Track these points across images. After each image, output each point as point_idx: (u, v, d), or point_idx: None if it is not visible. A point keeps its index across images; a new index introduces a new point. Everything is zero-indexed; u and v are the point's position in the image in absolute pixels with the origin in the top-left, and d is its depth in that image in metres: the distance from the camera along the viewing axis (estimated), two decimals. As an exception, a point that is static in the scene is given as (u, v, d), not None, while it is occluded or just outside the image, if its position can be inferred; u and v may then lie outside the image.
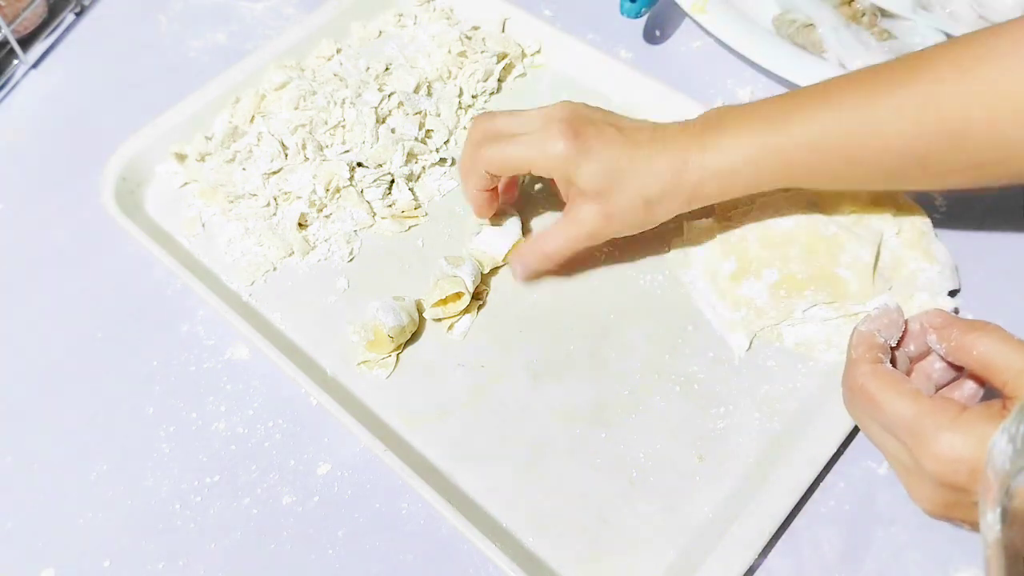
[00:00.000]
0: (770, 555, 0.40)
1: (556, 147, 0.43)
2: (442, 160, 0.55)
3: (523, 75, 0.59)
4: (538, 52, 0.60)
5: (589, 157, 0.43)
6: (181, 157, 0.55)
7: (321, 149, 0.54)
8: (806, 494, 0.41)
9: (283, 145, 0.54)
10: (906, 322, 0.38)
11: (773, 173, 0.42)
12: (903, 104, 0.39)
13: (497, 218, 0.50)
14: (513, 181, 0.51)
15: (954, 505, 0.33)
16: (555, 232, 0.46)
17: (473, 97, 0.58)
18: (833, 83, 0.42)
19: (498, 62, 0.58)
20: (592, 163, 0.43)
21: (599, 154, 0.43)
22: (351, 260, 0.51)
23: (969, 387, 0.38)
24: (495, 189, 0.48)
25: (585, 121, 0.44)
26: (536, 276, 0.48)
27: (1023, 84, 0.37)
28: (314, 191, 0.52)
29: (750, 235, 0.48)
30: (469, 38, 0.59)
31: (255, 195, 0.52)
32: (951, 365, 0.38)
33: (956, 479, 0.32)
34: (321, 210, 0.52)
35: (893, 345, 0.38)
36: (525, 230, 0.51)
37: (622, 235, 0.46)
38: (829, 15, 0.55)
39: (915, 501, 0.35)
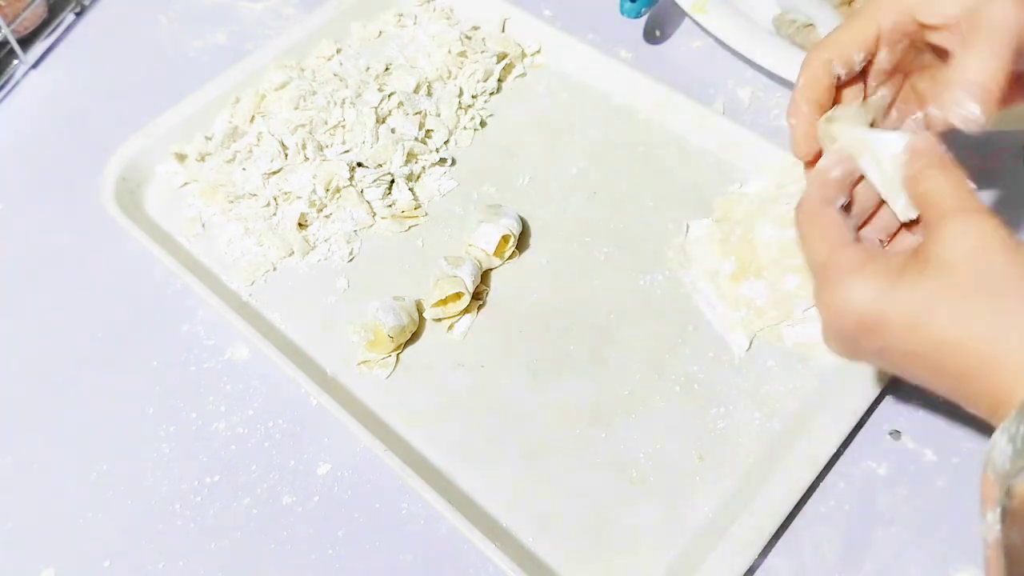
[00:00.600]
0: (770, 555, 0.40)
1: None
2: (442, 160, 0.55)
3: (523, 75, 0.59)
4: (538, 52, 0.60)
5: None
6: (181, 157, 0.55)
7: (321, 149, 0.54)
8: (806, 494, 0.41)
9: (283, 145, 0.54)
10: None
11: None
12: None
13: (495, 216, 0.49)
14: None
15: (853, 351, 0.34)
16: (972, 56, 0.34)
17: (473, 97, 0.58)
18: None
19: (498, 62, 0.58)
20: None
21: None
22: (351, 260, 0.51)
23: (885, 215, 0.37)
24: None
25: None
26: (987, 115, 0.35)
27: None
28: (314, 191, 0.52)
29: (750, 236, 0.48)
30: (469, 38, 0.59)
31: (255, 195, 0.52)
32: None
33: (843, 329, 0.32)
34: (321, 210, 0.52)
35: (855, 179, 0.36)
36: (525, 230, 0.51)
37: None
38: (829, 15, 0.55)
39: (825, 343, 0.35)
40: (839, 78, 0.38)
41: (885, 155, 0.35)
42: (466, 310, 0.48)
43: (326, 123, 0.55)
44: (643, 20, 0.62)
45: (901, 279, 0.31)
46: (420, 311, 0.48)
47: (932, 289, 0.30)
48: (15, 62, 0.64)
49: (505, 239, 0.49)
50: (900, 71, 0.40)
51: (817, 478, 0.41)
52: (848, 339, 0.33)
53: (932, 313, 0.30)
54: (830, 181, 0.36)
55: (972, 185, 0.32)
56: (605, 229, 0.51)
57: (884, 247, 0.37)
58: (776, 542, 0.40)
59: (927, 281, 0.30)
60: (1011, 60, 0.33)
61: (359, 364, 0.46)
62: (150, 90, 0.61)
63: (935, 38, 0.36)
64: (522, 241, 0.51)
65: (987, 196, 0.49)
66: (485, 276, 0.49)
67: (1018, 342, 0.28)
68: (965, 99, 0.33)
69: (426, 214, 0.53)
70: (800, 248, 0.35)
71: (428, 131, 0.56)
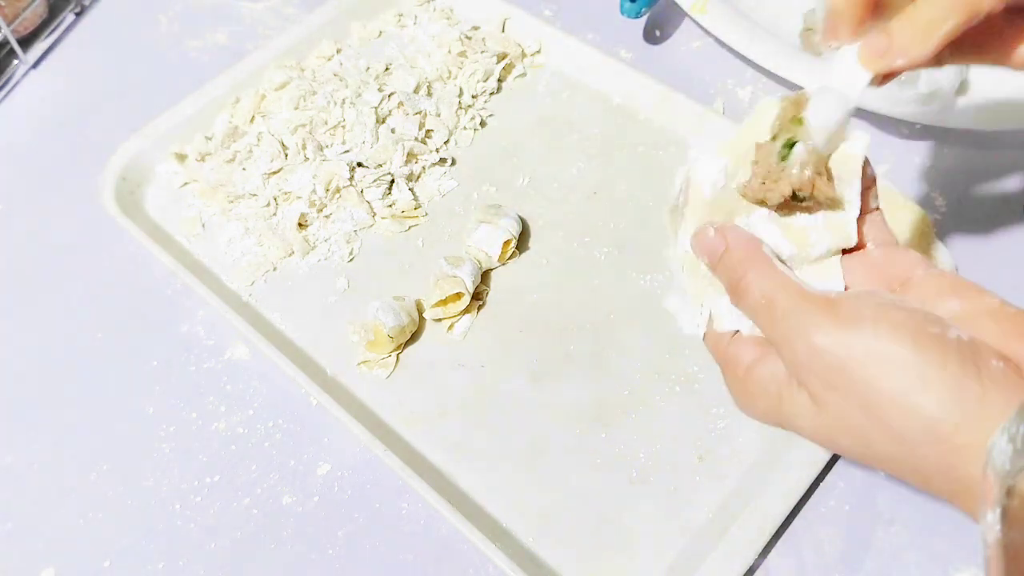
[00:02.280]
0: (770, 555, 0.40)
1: None
2: (442, 160, 0.55)
3: (523, 75, 0.59)
4: (538, 52, 0.60)
5: None
6: (181, 157, 0.55)
7: (321, 149, 0.54)
8: (806, 494, 0.41)
9: (283, 145, 0.54)
10: None
11: None
12: None
13: (495, 217, 0.49)
14: None
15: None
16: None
17: (473, 97, 0.58)
18: None
19: (498, 62, 0.58)
20: None
21: None
22: (351, 260, 0.51)
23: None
24: None
25: None
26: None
27: None
28: (314, 191, 0.52)
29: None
30: (469, 38, 0.59)
31: (255, 195, 0.52)
32: None
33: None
34: (321, 210, 0.52)
35: None
36: (525, 230, 0.51)
37: None
38: None
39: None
40: None
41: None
42: (466, 310, 0.48)
43: (326, 123, 0.55)
44: (643, 20, 0.62)
45: (784, 401, 0.29)
46: (420, 311, 0.48)
47: (808, 421, 0.28)
48: (15, 62, 0.64)
49: (507, 243, 0.49)
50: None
51: (817, 478, 0.41)
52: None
53: (820, 442, 0.29)
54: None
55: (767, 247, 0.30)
56: (605, 229, 0.51)
57: None
58: (776, 542, 0.40)
59: (802, 410, 0.28)
60: None
61: (359, 364, 0.46)
62: (150, 90, 0.61)
63: None
64: (522, 241, 0.51)
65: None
66: (485, 276, 0.49)
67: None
68: None
69: (426, 214, 0.53)
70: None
71: (428, 131, 0.56)
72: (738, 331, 0.32)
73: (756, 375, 0.30)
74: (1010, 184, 0.51)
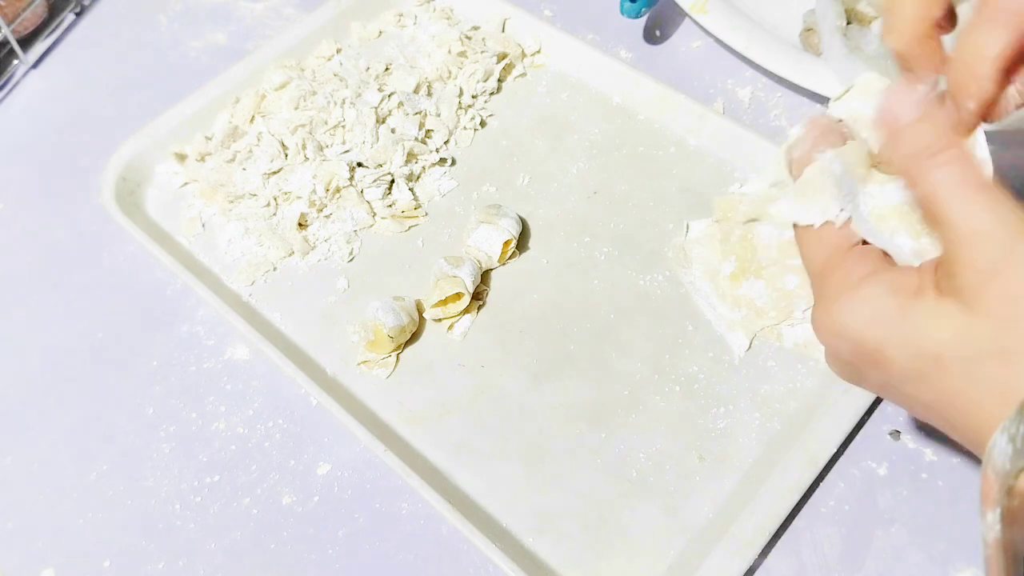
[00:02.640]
0: (770, 555, 0.40)
1: None
2: (442, 160, 0.55)
3: (523, 75, 0.59)
4: (538, 52, 0.60)
5: None
6: (181, 157, 0.55)
7: (321, 149, 0.54)
8: (806, 494, 0.41)
9: (283, 145, 0.54)
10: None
11: None
12: None
13: (495, 217, 0.49)
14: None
15: (856, 379, 0.29)
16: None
17: (473, 97, 0.58)
18: None
19: (498, 62, 0.58)
20: None
21: None
22: (351, 260, 0.51)
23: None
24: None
25: None
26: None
27: None
28: (314, 191, 0.52)
29: (750, 236, 0.48)
30: (469, 38, 0.59)
31: (255, 195, 0.52)
32: None
33: (839, 353, 0.28)
34: (321, 210, 0.52)
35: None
36: (525, 230, 0.51)
37: None
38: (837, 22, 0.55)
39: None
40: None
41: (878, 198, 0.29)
42: (466, 310, 0.48)
43: (326, 123, 0.55)
44: (643, 20, 0.62)
45: (913, 308, 0.26)
46: (420, 311, 0.48)
47: (948, 332, 0.25)
48: (15, 62, 0.64)
49: (507, 243, 0.49)
50: None
51: (817, 478, 0.41)
52: (847, 365, 0.29)
53: (945, 366, 0.25)
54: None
55: (988, 168, 0.26)
56: (605, 229, 0.51)
57: None
58: (776, 542, 0.40)
59: (943, 320, 0.25)
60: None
61: (359, 364, 0.46)
62: (150, 90, 0.61)
63: None
64: (522, 241, 0.51)
65: None
66: (485, 276, 0.49)
67: None
68: None
69: (426, 214, 0.53)
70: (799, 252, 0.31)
71: (428, 131, 0.56)
72: (859, 243, 0.28)
73: (873, 283, 0.26)
74: (1010, 184, 0.51)
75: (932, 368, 0.25)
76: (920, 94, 0.27)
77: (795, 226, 0.30)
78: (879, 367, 0.27)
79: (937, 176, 0.25)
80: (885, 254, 0.29)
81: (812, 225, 0.29)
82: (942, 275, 0.26)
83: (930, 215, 0.26)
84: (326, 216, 0.52)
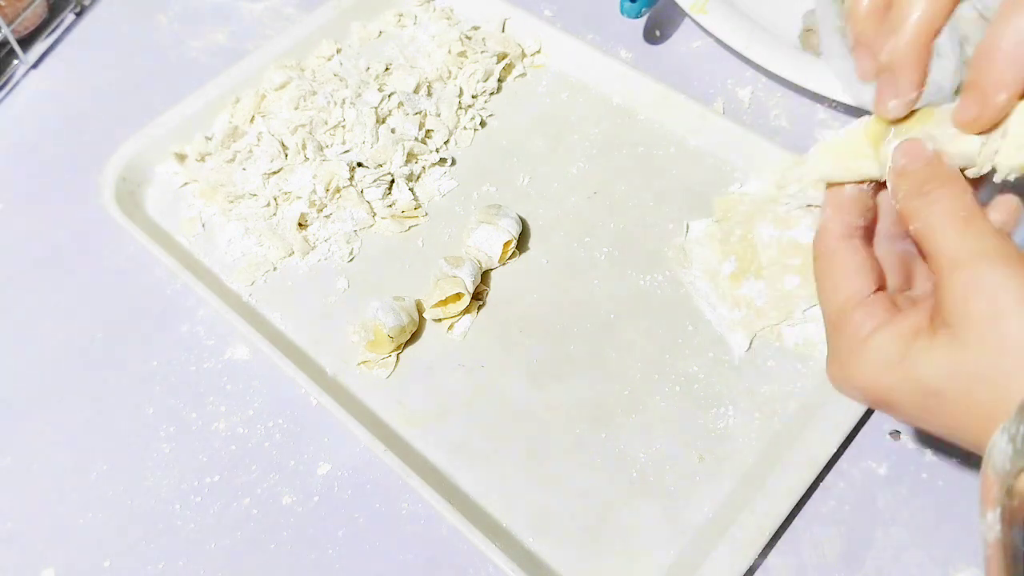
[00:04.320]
0: (770, 555, 0.40)
1: None
2: (442, 160, 0.55)
3: (523, 75, 0.59)
4: (538, 52, 0.60)
5: None
6: (181, 157, 0.55)
7: (321, 149, 0.54)
8: (806, 494, 0.41)
9: (283, 145, 0.54)
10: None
11: None
12: None
13: (495, 218, 0.49)
14: None
15: (873, 406, 0.31)
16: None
17: (473, 97, 0.58)
18: None
19: (498, 62, 0.58)
20: None
21: None
22: (351, 260, 0.51)
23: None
24: None
25: None
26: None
27: None
28: (314, 191, 0.52)
29: (750, 236, 0.48)
30: (469, 38, 0.59)
31: (255, 195, 0.52)
32: None
33: (855, 400, 0.30)
34: (321, 210, 0.52)
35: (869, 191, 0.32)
36: (525, 230, 0.51)
37: None
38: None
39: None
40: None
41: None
42: (466, 310, 0.48)
43: (326, 123, 0.55)
44: (643, 20, 0.62)
45: (912, 349, 0.27)
46: (420, 311, 0.48)
47: (943, 367, 0.26)
48: (15, 62, 0.64)
49: (507, 244, 0.49)
50: None
51: (817, 478, 0.41)
52: (862, 401, 0.31)
53: (945, 399, 0.27)
54: (845, 201, 0.31)
55: (975, 201, 0.28)
56: (605, 229, 0.51)
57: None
58: (776, 542, 0.40)
59: (937, 354, 0.27)
60: None
61: (359, 364, 0.46)
62: (150, 90, 0.61)
63: None
64: (522, 241, 0.51)
65: None
66: (485, 276, 0.49)
67: None
68: None
69: (426, 214, 0.53)
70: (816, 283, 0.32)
71: (428, 131, 0.56)
72: (869, 295, 0.30)
73: (879, 335, 0.28)
74: (1010, 184, 0.51)
75: (935, 403, 0.27)
76: (928, 150, 0.29)
77: (815, 259, 0.32)
78: (892, 409, 0.29)
79: (925, 212, 0.28)
80: (893, 301, 0.30)
81: (842, 186, 0.30)
82: (934, 309, 0.27)
83: (922, 251, 0.28)
84: (326, 216, 0.52)
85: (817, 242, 0.32)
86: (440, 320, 0.48)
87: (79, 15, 0.68)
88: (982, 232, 0.27)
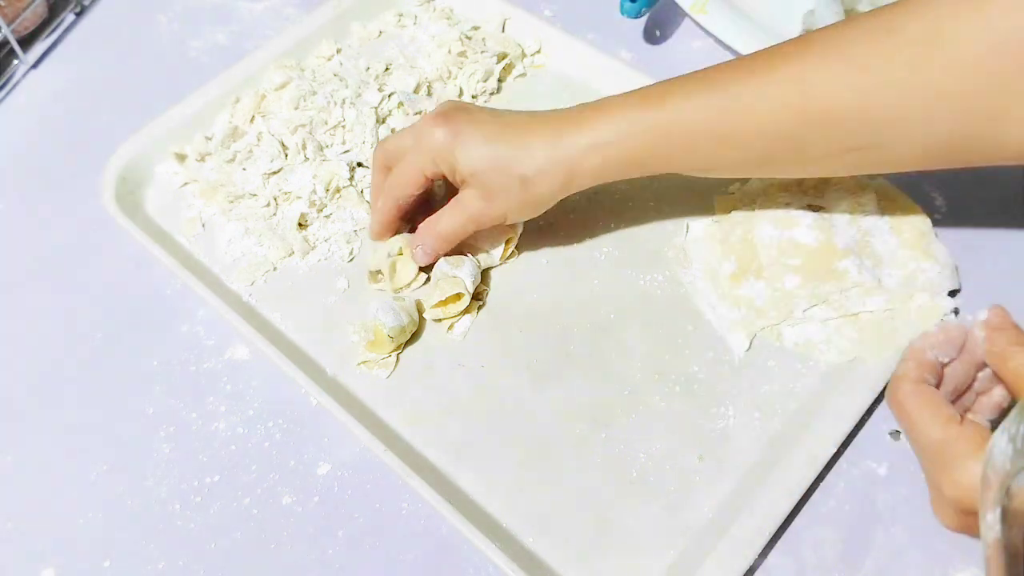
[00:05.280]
0: (770, 555, 0.40)
1: (432, 137, 0.44)
2: (442, 160, 0.55)
3: (523, 75, 0.59)
4: (538, 52, 0.60)
5: (463, 139, 0.43)
6: (181, 157, 0.55)
7: (321, 149, 0.54)
8: (806, 494, 0.41)
9: (283, 145, 0.54)
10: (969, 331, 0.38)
11: (648, 150, 0.42)
12: (771, 85, 0.39)
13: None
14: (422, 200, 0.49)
15: (972, 526, 0.34)
16: (445, 216, 0.46)
17: (473, 97, 0.58)
18: (716, 67, 0.42)
19: (498, 62, 0.58)
20: (467, 145, 0.43)
21: (472, 136, 0.44)
22: (351, 260, 0.51)
23: (998, 393, 0.38)
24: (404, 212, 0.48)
25: (458, 109, 0.45)
26: (436, 257, 0.48)
27: (894, 67, 0.37)
28: (314, 191, 0.52)
29: (750, 236, 0.48)
30: (469, 38, 0.59)
31: (255, 195, 0.52)
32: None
33: (972, 505, 0.33)
34: (321, 210, 0.52)
35: (945, 362, 0.38)
36: (525, 229, 0.51)
37: (512, 219, 0.46)
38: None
39: (936, 516, 0.36)
40: None
41: None
42: (466, 310, 0.48)
43: (326, 123, 0.55)
44: (643, 20, 0.62)
45: None
46: (420, 311, 0.48)
47: None
48: (15, 62, 0.64)
49: (507, 243, 0.49)
50: None
51: (817, 478, 0.41)
52: (974, 513, 0.33)
53: None
54: (926, 362, 0.37)
55: None
56: (605, 229, 0.51)
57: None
58: (776, 542, 0.40)
59: None
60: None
61: (359, 364, 0.46)
62: (150, 90, 0.61)
63: None
64: (522, 241, 0.51)
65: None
66: (485, 276, 0.49)
67: None
68: None
69: (426, 214, 0.53)
70: (903, 422, 0.37)
71: (428, 131, 0.55)
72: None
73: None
74: (1010, 184, 0.51)
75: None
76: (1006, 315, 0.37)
77: (903, 397, 0.37)
78: None
79: (1013, 361, 0.35)
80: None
81: None
82: None
83: (1012, 390, 0.36)
84: (326, 216, 0.52)
85: (900, 383, 0.37)
86: (440, 320, 0.48)
87: (79, 15, 0.68)
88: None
